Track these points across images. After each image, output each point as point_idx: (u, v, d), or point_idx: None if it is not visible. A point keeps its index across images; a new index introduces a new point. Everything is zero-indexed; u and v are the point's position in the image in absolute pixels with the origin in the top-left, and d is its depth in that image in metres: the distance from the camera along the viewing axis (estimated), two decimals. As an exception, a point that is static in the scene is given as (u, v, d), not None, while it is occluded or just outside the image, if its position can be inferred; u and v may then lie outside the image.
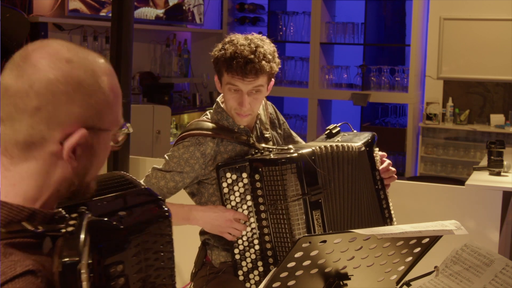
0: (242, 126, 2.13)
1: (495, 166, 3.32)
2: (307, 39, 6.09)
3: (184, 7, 5.68)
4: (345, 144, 2.08)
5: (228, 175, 2.03)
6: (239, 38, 2.07)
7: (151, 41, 5.57)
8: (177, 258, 3.61)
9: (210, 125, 2.13)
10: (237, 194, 2.04)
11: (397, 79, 5.84)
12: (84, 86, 1.05)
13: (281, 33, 6.30)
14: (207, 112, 2.22)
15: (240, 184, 2.03)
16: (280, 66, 2.12)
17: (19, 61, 1.04)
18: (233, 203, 2.05)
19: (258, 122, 2.22)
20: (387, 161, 2.18)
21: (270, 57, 2.05)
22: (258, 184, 2.01)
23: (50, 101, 1.02)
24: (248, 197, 2.04)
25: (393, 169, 2.19)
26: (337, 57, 6.31)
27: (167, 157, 2.12)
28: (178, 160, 2.09)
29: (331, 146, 2.06)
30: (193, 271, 2.21)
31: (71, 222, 1.01)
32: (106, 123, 1.09)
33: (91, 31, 4.76)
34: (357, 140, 2.13)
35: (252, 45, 2.03)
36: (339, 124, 2.26)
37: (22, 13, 3.84)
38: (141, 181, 2.09)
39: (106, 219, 1.09)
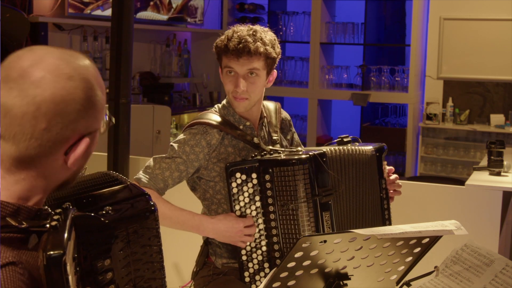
0: (238, 111, 2.12)
1: (495, 166, 3.32)
2: (307, 39, 6.09)
3: (188, 8, 5.68)
4: (357, 147, 2.09)
5: (238, 175, 2.02)
6: (240, 26, 2.11)
7: (151, 41, 5.57)
8: (178, 257, 3.60)
9: (218, 118, 2.14)
10: (246, 194, 2.04)
11: (397, 79, 5.84)
12: (88, 99, 1.06)
13: (281, 33, 6.30)
14: (216, 106, 2.23)
15: (250, 184, 2.03)
16: (280, 56, 2.13)
17: (17, 78, 1.02)
18: (242, 204, 2.04)
19: (266, 123, 2.22)
20: (395, 175, 2.20)
21: (267, 41, 2.07)
22: (268, 185, 2.01)
23: (58, 122, 1.03)
24: (257, 198, 2.04)
25: (400, 183, 2.20)
26: (337, 57, 6.31)
27: (173, 144, 2.11)
28: (183, 146, 2.08)
29: (342, 148, 2.07)
30: (194, 270, 2.20)
31: (56, 217, 1.02)
32: (100, 123, 1.12)
33: (91, 31, 4.76)
34: (369, 146, 2.15)
35: (251, 31, 2.07)
36: (351, 136, 2.26)
37: (22, 13, 3.84)
38: (141, 172, 2.09)
39: (90, 214, 1.10)
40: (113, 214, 1.12)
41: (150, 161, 2.11)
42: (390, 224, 2.15)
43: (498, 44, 5.37)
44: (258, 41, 2.04)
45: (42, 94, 1.01)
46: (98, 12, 4.66)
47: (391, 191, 2.18)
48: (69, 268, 0.96)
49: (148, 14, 5.25)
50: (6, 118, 1.01)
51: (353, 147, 2.09)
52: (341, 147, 2.08)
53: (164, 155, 2.10)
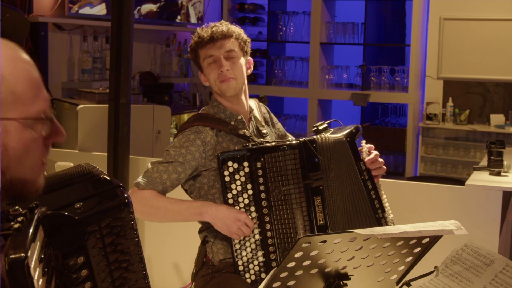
0: (229, 94, 2.17)
1: (495, 166, 3.31)
2: (307, 39, 6.09)
3: (178, 3, 5.64)
4: (325, 135, 2.13)
5: (230, 163, 2.06)
6: None
7: (151, 41, 5.57)
8: (178, 257, 3.59)
9: (208, 117, 2.19)
10: (238, 183, 2.07)
11: (397, 79, 5.84)
12: None
13: (281, 33, 6.30)
14: (203, 108, 2.27)
15: (241, 173, 2.06)
16: (249, 43, 2.25)
17: None
18: (234, 192, 2.07)
19: (253, 119, 2.26)
20: (375, 153, 2.20)
21: (237, 27, 2.22)
22: (259, 172, 2.06)
23: None
24: (249, 186, 2.07)
25: (381, 160, 2.20)
26: (337, 57, 6.31)
27: (168, 149, 2.14)
28: (179, 149, 2.11)
29: (320, 136, 2.12)
30: (194, 271, 2.21)
31: (19, 219, 0.98)
32: (13, 113, 1.03)
33: (91, 31, 4.76)
34: (340, 132, 2.17)
35: (217, 22, 2.21)
36: (328, 121, 2.28)
37: (22, 13, 3.84)
38: (140, 177, 2.12)
39: (60, 212, 1.07)
40: (84, 210, 1.10)
41: (148, 166, 2.15)
42: (380, 203, 2.15)
43: (498, 44, 5.37)
44: (227, 25, 2.19)
45: None
46: (86, 9, 4.63)
47: (374, 169, 2.17)
48: (34, 270, 0.93)
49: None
50: None
51: (326, 136, 2.13)
52: (318, 136, 2.12)
53: (161, 159, 2.14)
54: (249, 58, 2.25)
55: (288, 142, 2.09)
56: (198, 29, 2.20)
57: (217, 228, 2.09)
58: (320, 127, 2.23)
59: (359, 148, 2.18)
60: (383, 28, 6.35)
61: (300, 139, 2.09)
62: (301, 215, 2.05)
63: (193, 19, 5.84)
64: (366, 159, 2.16)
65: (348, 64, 6.09)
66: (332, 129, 2.25)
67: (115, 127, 3.26)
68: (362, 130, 2.23)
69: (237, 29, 2.20)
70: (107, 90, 3.58)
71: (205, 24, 2.22)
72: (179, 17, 5.68)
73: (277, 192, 2.05)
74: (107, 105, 3.34)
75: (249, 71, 2.25)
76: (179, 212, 2.09)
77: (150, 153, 4.30)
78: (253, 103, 2.33)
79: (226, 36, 2.16)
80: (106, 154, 3.30)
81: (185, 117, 5.72)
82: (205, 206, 2.08)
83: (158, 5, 5.39)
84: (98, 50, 4.81)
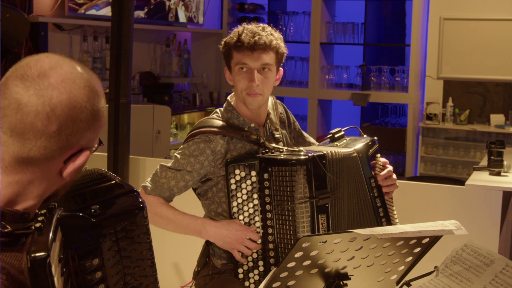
0: (252, 107, 2.10)
1: (495, 166, 3.32)
2: (307, 39, 6.09)
3: (166, 7, 5.59)
4: (335, 150, 2.06)
5: (237, 171, 2.03)
6: (248, 25, 2.12)
7: (151, 41, 5.57)
8: (178, 257, 3.59)
9: (220, 123, 2.12)
10: (244, 191, 2.04)
11: (397, 79, 5.85)
12: (97, 111, 1.09)
13: (281, 33, 6.27)
14: (217, 110, 2.20)
15: (248, 181, 2.03)
16: (286, 52, 2.15)
17: (35, 78, 1.03)
18: (240, 200, 2.05)
19: (268, 122, 2.21)
20: (388, 168, 2.14)
21: (277, 36, 2.11)
22: (266, 183, 2.00)
23: (69, 127, 1.04)
24: (255, 196, 2.03)
25: (394, 176, 2.15)
26: (337, 57, 6.32)
27: (177, 155, 2.11)
28: (188, 158, 2.08)
29: (331, 151, 2.04)
30: (196, 270, 2.21)
31: (40, 218, 1.01)
32: (97, 140, 1.13)
33: (91, 31, 4.76)
34: (353, 145, 2.11)
35: (260, 27, 2.10)
36: (345, 128, 2.23)
37: (22, 13, 3.84)
38: (148, 180, 2.10)
39: (77, 213, 1.09)
40: (101, 213, 1.12)
41: (157, 168, 2.13)
42: (387, 220, 2.12)
43: (498, 44, 5.37)
44: (270, 35, 2.07)
45: (59, 97, 1.03)
46: (92, 12, 4.64)
47: (385, 186, 2.13)
48: (54, 269, 0.95)
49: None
50: (18, 114, 1.01)
51: (336, 150, 2.05)
52: (331, 150, 2.05)
53: (169, 164, 2.10)
54: (281, 69, 2.16)
55: (296, 157, 1.99)
56: (240, 29, 2.09)
57: (220, 246, 2.08)
58: (336, 135, 2.17)
59: (372, 162, 2.12)
60: (383, 28, 6.35)
61: (309, 154, 1.99)
62: (304, 232, 1.98)
63: (182, 19, 5.77)
64: (379, 174, 2.11)
65: (348, 64, 6.09)
66: (347, 138, 2.19)
67: (115, 127, 3.26)
68: (378, 143, 2.16)
69: (278, 41, 2.09)
70: (107, 90, 3.58)
71: (247, 23, 2.11)
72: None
73: (281, 208, 1.99)
74: (107, 105, 3.33)
75: (277, 82, 2.16)
76: (180, 226, 2.08)
77: (150, 153, 4.31)
78: (269, 102, 2.24)
79: (267, 48, 2.05)
80: (106, 154, 3.30)
81: (185, 117, 5.73)
82: (206, 226, 2.07)
83: (145, 10, 5.34)
84: (98, 50, 4.81)
